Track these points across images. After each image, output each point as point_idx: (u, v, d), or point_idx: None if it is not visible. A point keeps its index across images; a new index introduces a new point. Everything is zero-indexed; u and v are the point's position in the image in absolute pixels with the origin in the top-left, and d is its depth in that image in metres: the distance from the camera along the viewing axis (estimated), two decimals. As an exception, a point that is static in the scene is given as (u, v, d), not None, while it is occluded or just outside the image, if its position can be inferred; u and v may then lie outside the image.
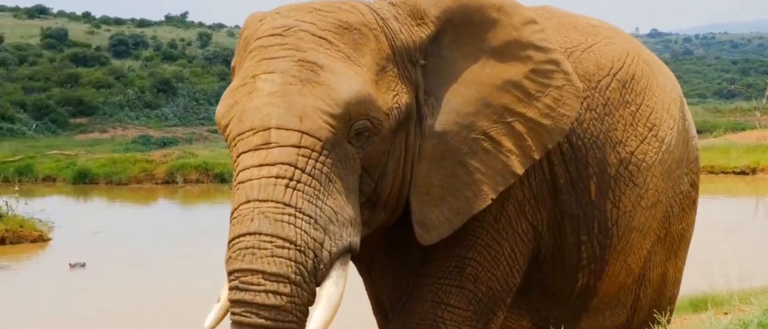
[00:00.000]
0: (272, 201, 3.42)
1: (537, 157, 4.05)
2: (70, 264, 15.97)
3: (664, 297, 5.17)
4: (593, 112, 4.46)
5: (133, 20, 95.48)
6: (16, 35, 75.63)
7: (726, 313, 5.61)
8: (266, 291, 3.34)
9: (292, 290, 3.36)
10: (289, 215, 3.41)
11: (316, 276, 3.44)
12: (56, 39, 73.55)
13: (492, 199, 3.97)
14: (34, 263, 17.40)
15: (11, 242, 18.36)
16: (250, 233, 3.39)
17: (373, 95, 3.63)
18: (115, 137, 45.39)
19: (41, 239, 19.01)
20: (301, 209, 3.43)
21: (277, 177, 3.44)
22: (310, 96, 3.52)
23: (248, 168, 3.49)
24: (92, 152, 37.56)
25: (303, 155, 3.47)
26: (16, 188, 24.00)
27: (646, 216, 4.66)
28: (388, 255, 4.25)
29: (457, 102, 3.93)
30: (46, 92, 51.42)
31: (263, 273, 3.35)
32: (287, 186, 3.43)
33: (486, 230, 4.20)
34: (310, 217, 3.43)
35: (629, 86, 4.63)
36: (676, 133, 4.82)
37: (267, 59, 3.63)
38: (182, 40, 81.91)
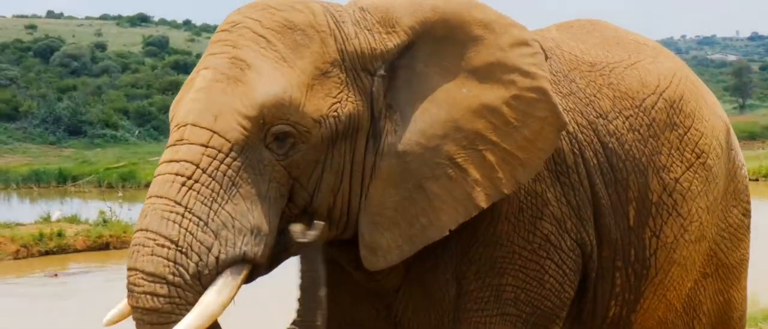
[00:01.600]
0: (166, 198, 3.29)
1: (507, 192, 3.66)
2: (172, 269, 16.28)
3: (731, 318, 4.80)
4: (636, 133, 4.12)
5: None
6: (118, 43, 77.41)
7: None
8: (145, 293, 3.22)
9: (170, 291, 3.22)
10: (177, 214, 3.26)
11: (201, 281, 3.25)
12: (157, 47, 75.04)
13: (450, 230, 3.62)
14: (137, 268, 17.73)
15: (115, 248, 18.78)
16: (141, 229, 3.29)
17: (298, 100, 3.40)
18: (215, 142, 46.02)
19: (144, 244, 19.40)
20: (191, 209, 3.27)
21: (176, 174, 3.31)
22: (231, 95, 3.38)
23: (162, 163, 3.41)
24: (193, 157, 38.16)
25: (208, 155, 3.32)
26: (120, 194, 24.55)
27: (689, 250, 4.30)
28: (419, 287, 3.96)
29: (424, 122, 3.60)
30: (148, 99, 52.48)
31: (142, 272, 3.23)
32: (183, 185, 3.29)
33: (518, 254, 3.88)
34: (201, 219, 3.27)
35: (677, 106, 4.26)
36: (723, 164, 4.48)
37: (210, 55, 3.52)
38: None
